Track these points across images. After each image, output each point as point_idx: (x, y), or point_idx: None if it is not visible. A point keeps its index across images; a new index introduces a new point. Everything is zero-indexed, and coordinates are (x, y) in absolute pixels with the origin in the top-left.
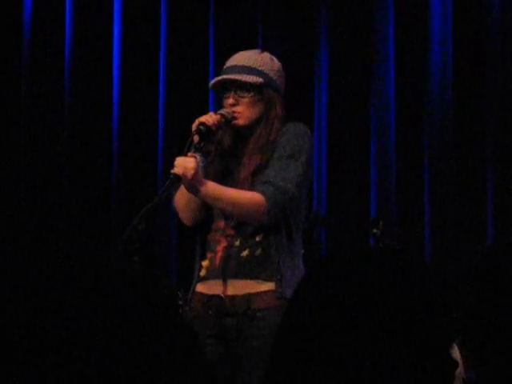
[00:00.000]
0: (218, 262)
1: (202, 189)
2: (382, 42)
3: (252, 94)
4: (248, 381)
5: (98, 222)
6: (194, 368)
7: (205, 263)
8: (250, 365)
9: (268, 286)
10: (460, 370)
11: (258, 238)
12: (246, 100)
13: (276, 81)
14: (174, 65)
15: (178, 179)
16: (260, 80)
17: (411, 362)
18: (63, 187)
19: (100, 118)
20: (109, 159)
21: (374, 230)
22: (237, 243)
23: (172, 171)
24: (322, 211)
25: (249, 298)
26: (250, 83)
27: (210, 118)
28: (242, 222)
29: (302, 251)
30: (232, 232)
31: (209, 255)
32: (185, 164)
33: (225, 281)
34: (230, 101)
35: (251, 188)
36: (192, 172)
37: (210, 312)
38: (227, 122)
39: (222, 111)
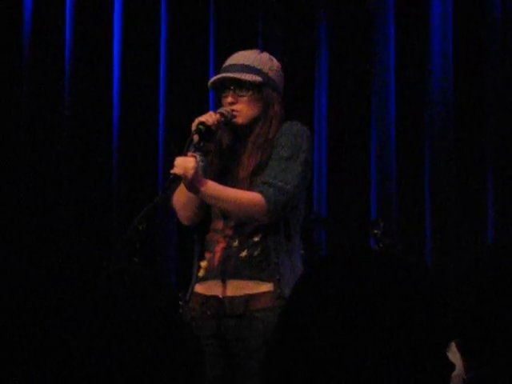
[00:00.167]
0: (216, 262)
1: (203, 188)
2: (382, 42)
3: (251, 92)
4: (247, 382)
5: (99, 222)
6: (195, 369)
7: (203, 264)
8: (248, 365)
9: (267, 286)
10: (461, 370)
11: (256, 239)
12: (245, 99)
13: (275, 80)
14: (174, 65)
15: (178, 179)
16: (259, 79)
17: (408, 362)
18: (63, 187)
19: (100, 118)
20: (109, 159)
21: (375, 231)
22: (235, 244)
23: (172, 171)
24: (322, 212)
25: (247, 298)
26: (249, 82)
27: (209, 118)
28: (240, 222)
29: (302, 252)
30: (230, 232)
31: (207, 255)
32: (185, 164)
33: (223, 281)
34: (229, 99)
35: (250, 187)
36: (192, 172)
37: (209, 313)
38: (227, 121)
39: (222, 110)
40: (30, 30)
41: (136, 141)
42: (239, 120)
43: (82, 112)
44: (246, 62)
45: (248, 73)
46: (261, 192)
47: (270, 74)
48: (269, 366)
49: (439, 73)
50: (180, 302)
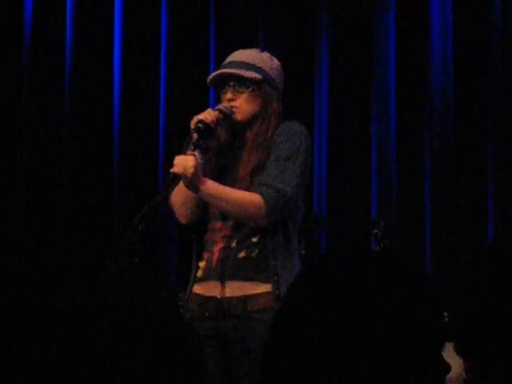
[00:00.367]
0: (214, 263)
1: (202, 187)
2: (382, 41)
3: (250, 89)
4: (246, 382)
5: (99, 221)
6: (195, 369)
7: (201, 264)
8: (247, 366)
9: (265, 287)
10: (461, 371)
11: (254, 239)
12: (244, 95)
13: (275, 79)
14: (174, 64)
15: (178, 178)
16: (258, 76)
17: (403, 362)
18: (63, 187)
19: (100, 117)
20: (109, 158)
21: (375, 231)
22: (233, 244)
23: (171, 170)
24: (322, 212)
25: (246, 299)
26: (248, 79)
27: (208, 115)
28: (238, 222)
29: (303, 252)
30: (228, 233)
31: (205, 256)
32: (184, 163)
33: (222, 282)
34: (228, 95)
35: (250, 186)
36: (192, 170)
37: (207, 313)
38: (225, 117)
39: (220, 106)
40: (31, 29)
41: (136, 140)
42: (238, 116)
43: (82, 110)
44: (246, 60)
45: (248, 70)
46: (260, 193)
47: (270, 72)
48: (265, 366)
49: (439, 73)
50: (181, 302)
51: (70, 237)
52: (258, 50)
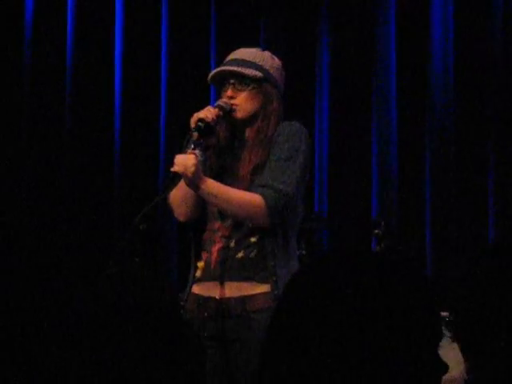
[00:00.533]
0: (213, 263)
1: (203, 186)
2: (383, 40)
3: (251, 87)
4: (245, 382)
5: (99, 221)
6: (196, 369)
7: (200, 264)
8: (245, 367)
9: (263, 287)
10: (462, 370)
11: (253, 239)
12: (245, 93)
13: (275, 77)
14: (175, 64)
15: (179, 177)
16: (259, 74)
17: (399, 361)
18: (64, 186)
19: (101, 116)
20: (110, 157)
21: (376, 231)
22: (232, 244)
23: (172, 169)
24: (323, 212)
25: (244, 300)
26: (249, 76)
27: (208, 114)
28: (237, 222)
29: (304, 252)
30: (227, 232)
31: (204, 256)
32: (185, 162)
33: (221, 283)
34: (229, 93)
35: (250, 186)
36: (193, 169)
37: (206, 314)
38: (225, 113)
39: (220, 102)
40: (31, 29)
41: (137, 140)
42: (238, 114)
43: (83, 109)
44: (247, 58)
45: (249, 67)
46: (261, 194)
47: (271, 70)
48: (263, 365)
49: (440, 72)
50: (182, 303)
51: (70, 237)
52: (259, 49)
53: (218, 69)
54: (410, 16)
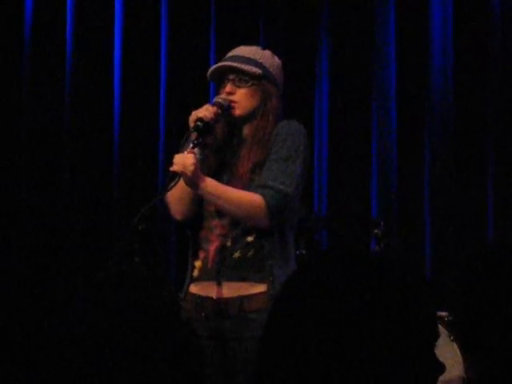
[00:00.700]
0: (210, 263)
1: (202, 185)
2: (382, 40)
3: (250, 84)
4: (243, 382)
5: (99, 221)
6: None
7: (197, 263)
8: (243, 366)
9: (261, 287)
10: (461, 369)
11: (250, 238)
12: (244, 90)
13: (275, 76)
14: (174, 64)
15: (178, 176)
16: (258, 71)
17: (396, 361)
18: (63, 186)
19: (100, 116)
20: (109, 157)
21: (375, 231)
22: (229, 243)
23: (171, 169)
24: (322, 212)
25: (242, 300)
26: (248, 73)
27: (207, 113)
28: (234, 220)
29: (304, 251)
30: (224, 231)
31: (201, 255)
32: (184, 161)
33: (218, 283)
34: (227, 89)
35: (249, 184)
36: (192, 169)
37: (204, 314)
38: (224, 111)
39: (218, 99)
40: (31, 29)
41: (136, 139)
42: (237, 112)
43: (82, 109)
44: (247, 55)
45: (248, 64)
46: (262, 195)
47: (271, 68)
48: (260, 364)
49: (439, 72)
50: (181, 303)
51: (69, 237)
52: (259, 47)
53: (218, 64)
54: (410, 16)
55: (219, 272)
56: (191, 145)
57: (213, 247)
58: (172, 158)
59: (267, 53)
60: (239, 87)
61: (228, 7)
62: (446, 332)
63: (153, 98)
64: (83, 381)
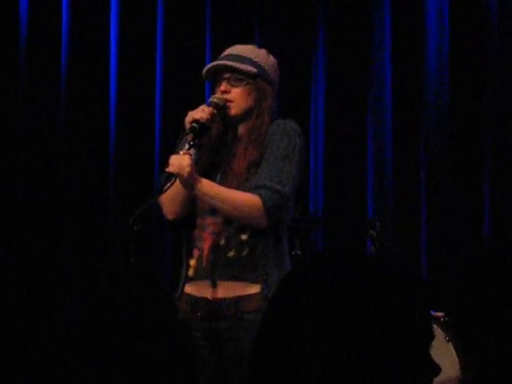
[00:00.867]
0: (205, 262)
1: (198, 186)
2: (378, 40)
3: (245, 82)
4: (237, 383)
5: (94, 222)
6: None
7: (192, 262)
8: (239, 367)
9: (255, 288)
10: (457, 371)
11: (244, 237)
12: (239, 89)
13: (270, 75)
14: (170, 64)
15: (174, 178)
16: (254, 70)
17: (391, 362)
18: (59, 187)
19: (96, 116)
20: (105, 157)
21: (371, 232)
22: (222, 242)
23: (167, 170)
24: (318, 212)
25: (237, 301)
26: (243, 71)
27: (203, 114)
28: (228, 218)
29: (299, 252)
30: (218, 229)
31: (195, 253)
32: (180, 162)
33: (213, 282)
34: (222, 87)
35: (245, 182)
36: (188, 170)
37: (199, 314)
38: (219, 111)
39: (213, 98)
40: (26, 30)
41: (132, 140)
42: (232, 111)
43: (78, 109)
44: (242, 53)
45: (243, 63)
46: (259, 195)
47: (266, 67)
48: (254, 365)
49: (435, 74)
50: (176, 303)
51: (65, 238)
52: (255, 46)
53: (213, 63)
54: (405, 15)
55: (214, 271)
56: (187, 146)
57: (207, 245)
58: (168, 158)
59: (263, 52)
60: (234, 86)
61: (223, 6)
62: (441, 332)
63: (149, 98)
64: (80, 381)
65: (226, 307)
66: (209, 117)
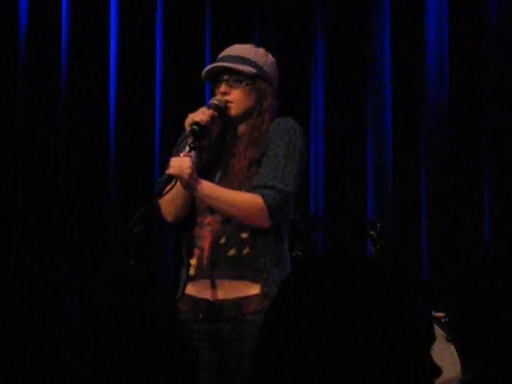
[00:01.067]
0: (205, 262)
1: (199, 188)
2: (378, 39)
3: (244, 83)
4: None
5: (95, 223)
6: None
7: (193, 261)
8: (242, 368)
9: (256, 288)
10: (458, 372)
11: (244, 235)
12: (239, 90)
13: (269, 74)
14: (170, 64)
15: (175, 180)
16: (253, 70)
17: (391, 365)
18: (60, 188)
19: (97, 116)
20: (106, 158)
21: (371, 232)
22: (223, 240)
23: (167, 172)
24: (319, 213)
25: (239, 301)
26: (243, 72)
27: (203, 116)
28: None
29: (300, 253)
30: (217, 227)
31: (196, 252)
32: (181, 164)
33: (213, 282)
34: (222, 89)
35: (245, 181)
36: (188, 171)
37: (201, 315)
38: (220, 113)
39: (214, 100)
40: (26, 30)
41: (132, 140)
42: (233, 112)
43: (78, 111)
44: (241, 54)
45: (242, 64)
46: (261, 195)
47: (265, 67)
48: (256, 365)
49: (435, 73)
50: (177, 303)
51: (65, 239)
52: (253, 45)
53: (212, 65)
54: (405, 14)
55: (215, 271)
56: (187, 148)
57: (207, 244)
58: (168, 160)
59: (261, 51)
60: (234, 87)
61: (223, 7)
62: (442, 333)
63: (149, 99)
64: (79, 381)
65: (226, 309)
66: (209, 119)
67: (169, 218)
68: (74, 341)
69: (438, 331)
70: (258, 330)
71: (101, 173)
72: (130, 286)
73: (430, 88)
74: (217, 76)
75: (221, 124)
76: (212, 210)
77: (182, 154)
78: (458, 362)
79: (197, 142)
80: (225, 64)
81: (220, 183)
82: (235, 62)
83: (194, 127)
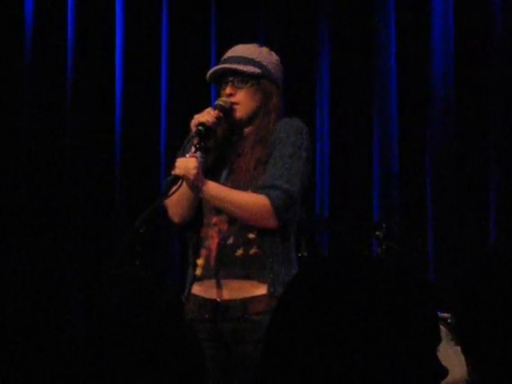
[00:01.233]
0: (212, 261)
1: (205, 188)
2: (383, 40)
3: (249, 84)
4: None
5: (100, 224)
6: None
7: (200, 262)
8: (246, 368)
9: (263, 288)
10: (465, 372)
11: (251, 235)
12: (244, 91)
13: (274, 73)
14: (175, 63)
15: (180, 180)
16: (258, 71)
17: (397, 365)
18: (65, 188)
19: (102, 117)
20: (111, 159)
21: (377, 233)
22: (230, 241)
23: (173, 172)
24: (324, 214)
25: (245, 302)
26: (247, 73)
27: (208, 117)
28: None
29: (305, 253)
30: (225, 227)
31: (203, 253)
32: (187, 165)
33: (219, 282)
34: (227, 90)
35: (251, 180)
36: (194, 172)
37: (207, 316)
38: (226, 114)
39: (220, 101)
40: (32, 30)
41: (138, 141)
42: (238, 113)
43: (84, 112)
44: (245, 55)
45: (247, 64)
46: (267, 196)
47: (269, 66)
48: (263, 366)
49: (441, 74)
50: (183, 303)
51: (71, 239)
52: (257, 45)
53: (216, 67)
54: (411, 11)
55: (222, 271)
56: (193, 149)
57: (214, 244)
58: (174, 160)
59: (265, 50)
60: (239, 88)
61: (228, 7)
62: (448, 334)
63: (154, 100)
64: (84, 381)
65: (233, 309)
66: (215, 120)
67: (176, 219)
68: (79, 341)
69: (444, 331)
70: (264, 330)
71: (106, 173)
72: (135, 287)
73: (435, 88)
74: (221, 77)
75: (226, 125)
76: (219, 211)
77: (187, 155)
78: (465, 363)
79: (202, 143)
80: (229, 66)
81: (226, 183)
82: (239, 62)
83: (200, 128)
